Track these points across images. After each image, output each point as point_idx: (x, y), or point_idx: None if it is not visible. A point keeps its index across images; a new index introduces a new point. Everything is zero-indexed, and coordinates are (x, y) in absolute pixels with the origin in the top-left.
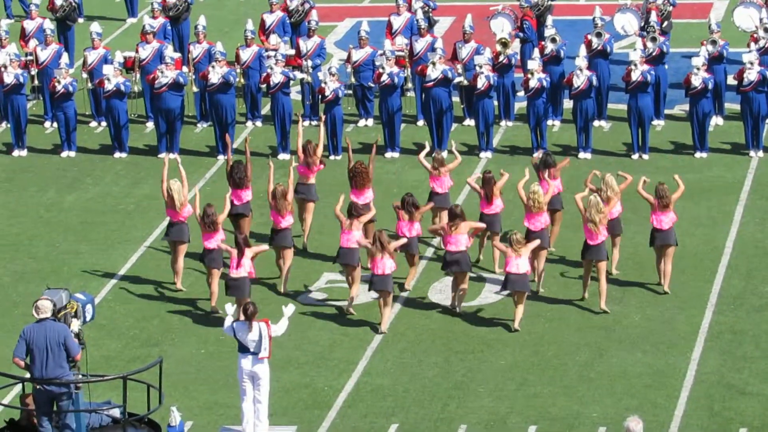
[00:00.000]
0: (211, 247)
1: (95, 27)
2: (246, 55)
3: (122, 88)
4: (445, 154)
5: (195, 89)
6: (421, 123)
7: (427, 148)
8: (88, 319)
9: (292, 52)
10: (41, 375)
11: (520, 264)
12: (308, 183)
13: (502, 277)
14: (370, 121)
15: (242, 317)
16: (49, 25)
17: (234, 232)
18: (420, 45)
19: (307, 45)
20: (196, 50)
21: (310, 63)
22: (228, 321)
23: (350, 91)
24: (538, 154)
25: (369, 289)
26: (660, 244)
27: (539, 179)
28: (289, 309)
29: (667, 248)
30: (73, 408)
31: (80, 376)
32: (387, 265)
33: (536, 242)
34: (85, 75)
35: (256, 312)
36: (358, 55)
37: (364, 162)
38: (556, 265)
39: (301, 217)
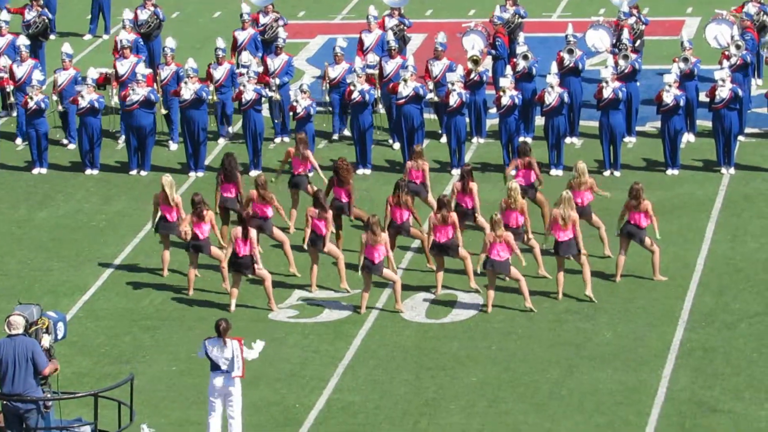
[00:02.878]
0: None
1: (66, 48)
2: (218, 73)
3: (96, 105)
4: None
5: (163, 111)
6: (392, 143)
7: None
8: (59, 337)
9: (260, 69)
10: (9, 390)
11: (500, 249)
12: (302, 174)
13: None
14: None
15: (215, 334)
16: (24, 41)
17: (237, 212)
18: (390, 66)
19: (274, 63)
20: (165, 72)
21: (277, 81)
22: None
23: (322, 108)
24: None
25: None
26: (629, 237)
27: (516, 170)
28: (259, 345)
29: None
30: (43, 425)
31: (47, 393)
32: (381, 252)
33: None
34: (55, 97)
35: (228, 328)
36: (336, 72)
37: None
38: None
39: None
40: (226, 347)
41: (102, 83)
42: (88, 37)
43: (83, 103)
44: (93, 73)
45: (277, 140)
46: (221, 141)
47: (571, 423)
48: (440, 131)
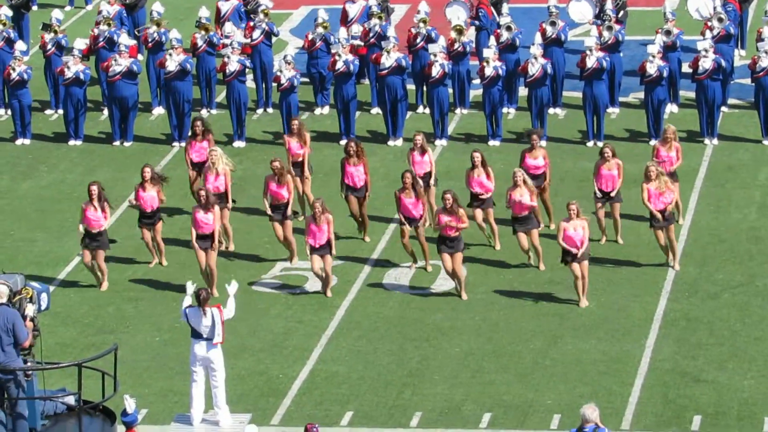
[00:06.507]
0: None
1: (56, 13)
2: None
3: (81, 76)
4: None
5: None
6: (375, 111)
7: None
8: (42, 308)
9: (247, 40)
10: None
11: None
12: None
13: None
14: (326, 109)
15: (195, 303)
16: (5, 11)
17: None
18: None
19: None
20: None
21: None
22: (186, 301)
23: (306, 79)
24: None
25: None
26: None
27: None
28: (233, 287)
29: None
30: (26, 395)
31: (31, 363)
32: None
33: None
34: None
35: (208, 297)
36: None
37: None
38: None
39: (303, 192)
40: (205, 316)
41: (87, 54)
42: (68, 8)
43: (69, 74)
44: (79, 44)
45: (260, 111)
46: (204, 112)
47: (555, 393)
48: (416, 102)
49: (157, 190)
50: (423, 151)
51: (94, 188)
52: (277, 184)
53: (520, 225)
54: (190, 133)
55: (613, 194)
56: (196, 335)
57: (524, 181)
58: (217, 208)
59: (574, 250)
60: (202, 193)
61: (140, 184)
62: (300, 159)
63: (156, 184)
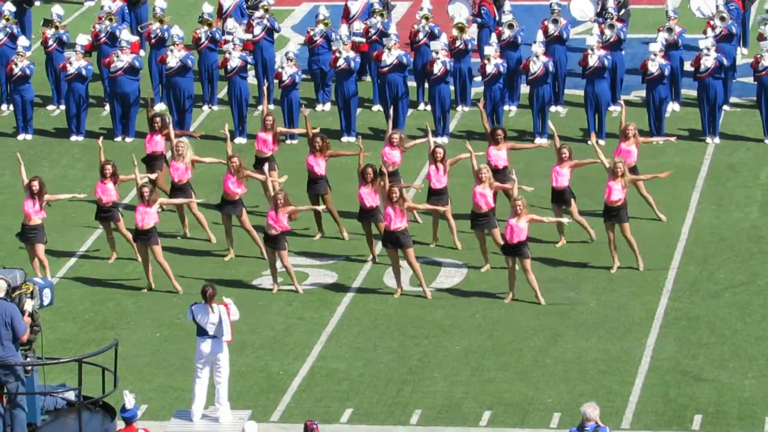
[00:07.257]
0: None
1: (57, 9)
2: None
3: (83, 72)
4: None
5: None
6: (376, 108)
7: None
8: (45, 303)
9: (249, 36)
10: None
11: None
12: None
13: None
14: (328, 106)
15: (201, 300)
16: (9, 7)
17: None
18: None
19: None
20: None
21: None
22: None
23: (307, 76)
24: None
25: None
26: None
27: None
28: (230, 303)
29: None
30: (26, 390)
31: (31, 359)
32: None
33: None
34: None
35: (215, 294)
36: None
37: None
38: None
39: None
40: (212, 313)
41: (89, 50)
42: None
43: (71, 69)
44: (81, 40)
45: (261, 107)
46: (205, 108)
47: (555, 392)
48: (417, 99)
49: (114, 183)
50: (400, 149)
51: (35, 183)
52: (234, 180)
53: (479, 223)
54: (149, 127)
55: (565, 197)
56: (202, 332)
57: (489, 179)
58: (158, 203)
59: (510, 242)
60: (145, 190)
61: (101, 179)
62: (267, 155)
63: (115, 180)
